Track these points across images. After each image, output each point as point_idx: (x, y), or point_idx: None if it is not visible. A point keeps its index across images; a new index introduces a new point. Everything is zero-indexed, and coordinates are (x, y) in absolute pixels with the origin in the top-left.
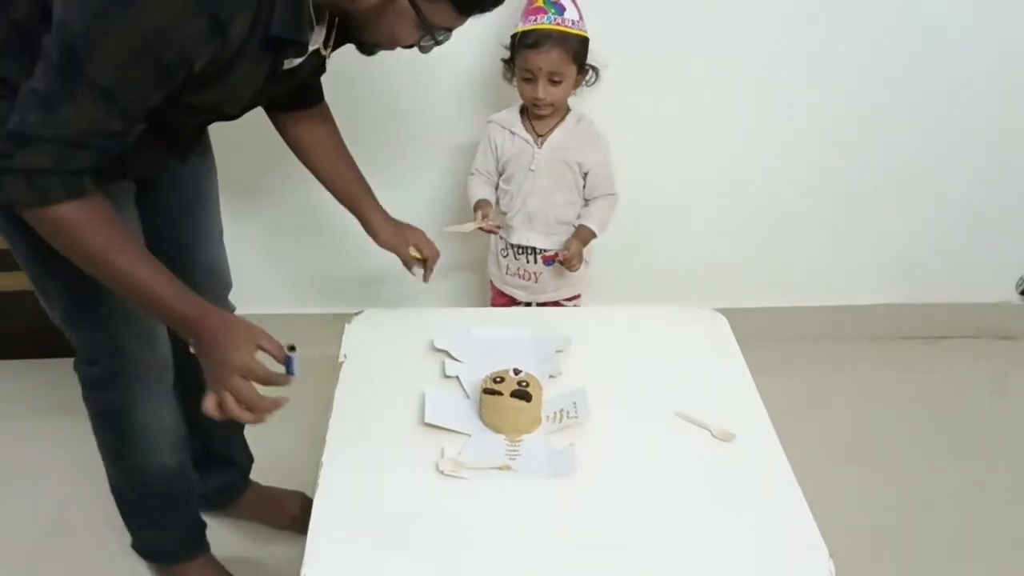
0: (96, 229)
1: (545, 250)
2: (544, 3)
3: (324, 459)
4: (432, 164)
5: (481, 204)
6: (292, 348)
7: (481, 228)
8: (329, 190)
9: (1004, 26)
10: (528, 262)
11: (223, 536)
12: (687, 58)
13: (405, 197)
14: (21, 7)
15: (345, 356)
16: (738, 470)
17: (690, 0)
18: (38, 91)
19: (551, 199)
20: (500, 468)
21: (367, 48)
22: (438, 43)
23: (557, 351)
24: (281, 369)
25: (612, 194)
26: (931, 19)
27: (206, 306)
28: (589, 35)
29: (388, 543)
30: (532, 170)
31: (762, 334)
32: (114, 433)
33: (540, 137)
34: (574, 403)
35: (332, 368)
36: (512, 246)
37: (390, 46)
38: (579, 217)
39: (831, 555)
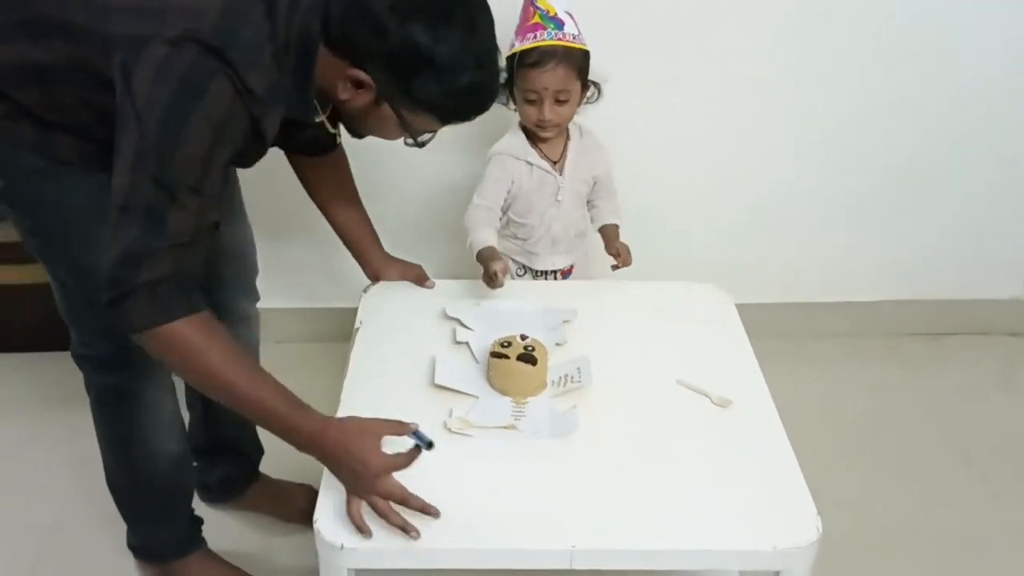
0: (213, 349)
1: (561, 269)
2: (541, 19)
3: (339, 415)
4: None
5: (493, 257)
6: (415, 430)
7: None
8: (334, 230)
9: (1009, 24)
10: (547, 279)
11: (230, 528)
12: (691, 56)
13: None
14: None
15: (361, 323)
16: (734, 434)
17: None
18: (135, 208)
19: (572, 217)
20: (505, 428)
21: (356, 134)
22: (420, 144)
23: (564, 321)
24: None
25: (615, 190)
26: (938, 18)
27: (320, 419)
28: (589, 46)
29: None
30: (559, 201)
31: (769, 330)
32: (118, 419)
33: (556, 164)
34: (578, 369)
35: (340, 362)
36: (531, 270)
37: (384, 138)
38: (592, 220)
39: (819, 513)
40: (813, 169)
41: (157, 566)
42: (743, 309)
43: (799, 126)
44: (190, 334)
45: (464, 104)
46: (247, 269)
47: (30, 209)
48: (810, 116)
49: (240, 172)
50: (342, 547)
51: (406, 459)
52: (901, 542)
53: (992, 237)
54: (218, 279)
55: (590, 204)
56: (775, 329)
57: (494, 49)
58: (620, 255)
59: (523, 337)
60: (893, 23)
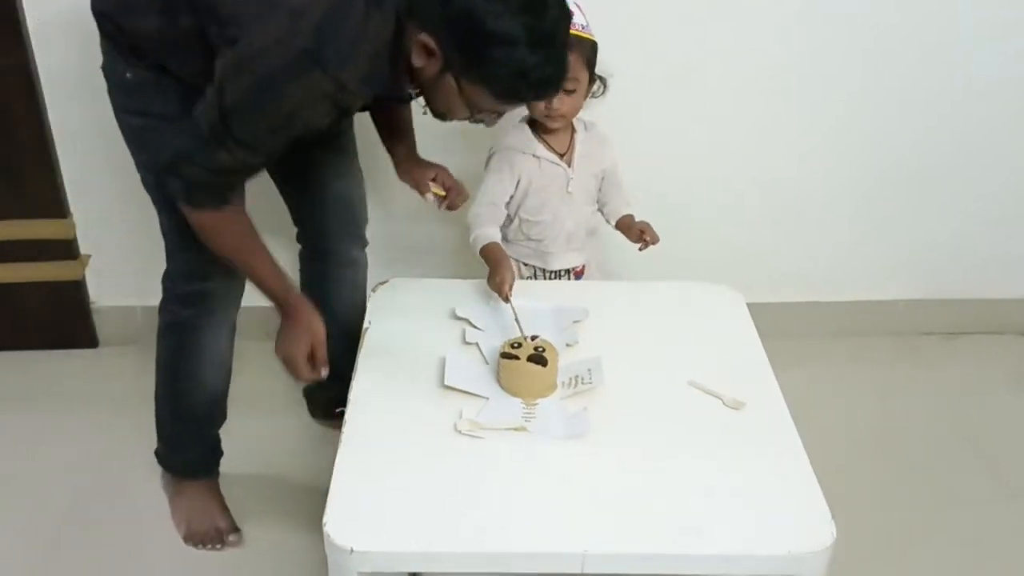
0: (230, 234)
1: (575, 268)
2: None
3: (347, 417)
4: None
5: (500, 262)
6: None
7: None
8: (380, 135)
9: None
10: (560, 279)
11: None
12: (699, 53)
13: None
14: (187, 18)
15: (370, 323)
16: (747, 436)
17: None
18: (201, 128)
19: (583, 212)
20: (516, 429)
21: (436, 113)
22: (483, 122)
23: (574, 321)
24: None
25: (621, 182)
26: (953, 13)
27: (300, 301)
28: (598, 38)
29: (408, 497)
30: (570, 192)
31: (781, 329)
32: (176, 347)
33: (564, 156)
34: (589, 370)
35: None
36: (544, 272)
37: (449, 117)
38: (608, 219)
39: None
40: (825, 167)
41: (170, 476)
42: (755, 309)
43: (811, 123)
44: (212, 222)
45: (516, 82)
46: (353, 216)
47: (157, 148)
48: (822, 113)
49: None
50: (352, 551)
51: (297, 373)
52: (916, 543)
53: (1005, 236)
54: (322, 223)
55: (600, 203)
56: (787, 329)
57: (559, 34)
58: (645, 232)
59: (533, 338)
60: (907, 17)
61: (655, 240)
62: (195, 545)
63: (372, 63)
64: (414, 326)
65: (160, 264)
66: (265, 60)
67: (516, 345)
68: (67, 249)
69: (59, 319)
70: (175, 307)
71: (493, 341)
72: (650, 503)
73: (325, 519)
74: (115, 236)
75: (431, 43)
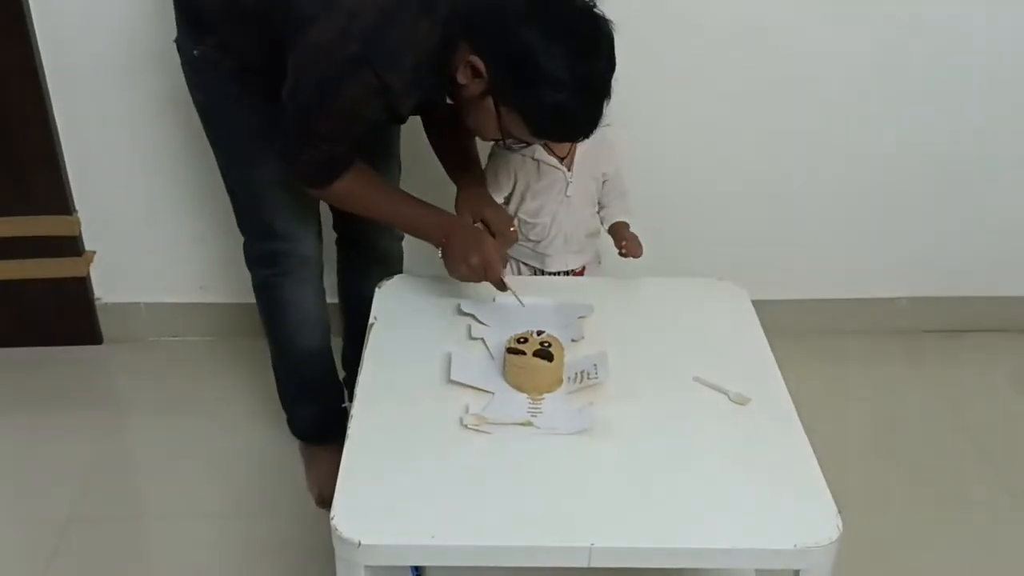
0: (357, 198)
1: (574, 269)
2: None
3: (353, 413)
4: None
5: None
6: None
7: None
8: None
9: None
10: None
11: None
12: (706, 51)
13: None
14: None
15: (375, 318)
16: (752, 431)
17: None
18: (287, 127)
19: (582, 215)
20: (522, 424)
21: (467, 129)
22: (513, 150)
23: (580, 317)
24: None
25: (625, 190)
26: (960, 14)
27: (453, 220)
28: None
29: (414, 492)
30: (568, 196)
31: (784, 327)
32: (266, 307)
33: (564, 159)
34: (595, 365)
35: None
36: (543, 273)
37: (479, 134)
38: (603, 222)
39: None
40: (830, 166)
41: (300, 441)
42: (760, 306)
43: (815, 122)
44: (339, 190)
45: (555, 123)
46: None
47: (216, 125)
48: (827, 112)
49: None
50: (359, 545)
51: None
52: (919, 540)
53: (1010, 234)
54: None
55: (600, 206)
56: (792, 326)
57: (602, 86)
58: (627, 241)
59: (539, 333)
60: (914, 18)
61: (634, 253)
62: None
63: (416, 70)
64: (420, 322)
65: (164, 261)
66: (323, 61)
67: (522, 340)
68: (72, 246)
69: (63, 315)
70: (256, 267)
71: (499, 336)
72: (656, 497)
73: (332, 513)
74: (120, 233)
75: (480, 66)
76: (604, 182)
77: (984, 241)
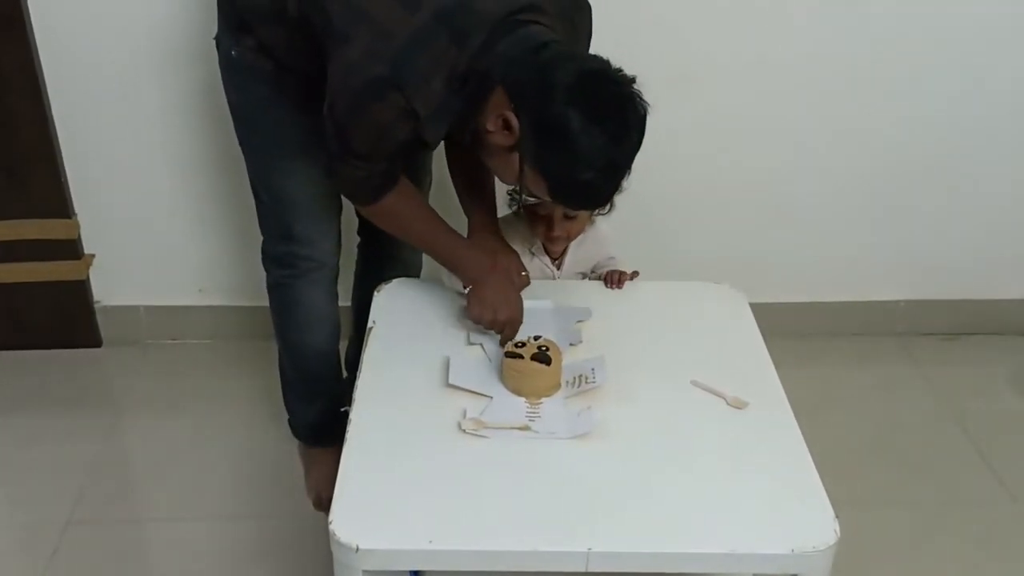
0: (402, 214)
1: None
2: None
3: (352, 417)
4: None
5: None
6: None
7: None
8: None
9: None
10: None
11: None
12: (703, 53)
13: None
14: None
15: (374, 322)
16: (750, 435)
17: None
18: (328, 143)
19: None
20: (520, 428)
21: (476, 155)
22: (526, 203)
23: (578, 321)
24: None
25: (615, 261)
26: (957, 15)
27: (491, 265)
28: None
29: (413, 496)
30: (554, 279)
31: (783, 329)
32: (278, 306)
33: (556, 260)
34: (592, 369)
35: None
36: None
37: (498, 178)
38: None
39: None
40: (827, 169)
41: (300, 443)
42: (757, 309)
43: (812, 124)
44: (384, 208)
45: (574, 193)
46: None
47: (247, 125)
48: (823, 114)
49: None
50: (357, 549)
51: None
52: (918, 543)
53: (1006, 237)
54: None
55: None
56: (789, 329)
57: (625, 166)
58: (619, 275)
59: (537, 337)
60: (910, 20)
61: (616, 284)
62: (326, 513)
63: (444, 98)
64: (418, 326)
65: (163, 264)
66: (352, 79)
67: (520, 344)
68: (71, 249)
69: (63, 319)
70: (271, 267)
71: (497, 342)
72: (654, 502)
73: (331, 517)
74: (119, 236)
75: (515, 123)
76: (592, 269)
77: (982, 244)
